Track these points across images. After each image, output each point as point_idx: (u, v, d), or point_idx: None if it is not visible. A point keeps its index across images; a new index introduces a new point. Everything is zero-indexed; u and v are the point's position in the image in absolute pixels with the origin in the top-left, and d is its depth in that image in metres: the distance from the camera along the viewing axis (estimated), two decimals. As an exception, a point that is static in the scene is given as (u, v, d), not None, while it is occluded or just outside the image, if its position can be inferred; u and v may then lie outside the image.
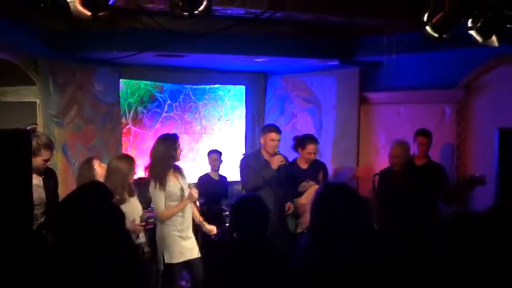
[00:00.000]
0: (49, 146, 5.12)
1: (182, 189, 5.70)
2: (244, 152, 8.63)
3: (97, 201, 2.69)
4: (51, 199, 5.23)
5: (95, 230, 2.46)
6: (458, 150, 7.53)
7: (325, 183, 6.27)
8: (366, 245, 2.89)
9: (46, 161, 5.14)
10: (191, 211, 5.87)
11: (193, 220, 5.99)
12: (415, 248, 3.09)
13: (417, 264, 2.92)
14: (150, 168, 5.69)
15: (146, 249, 5.83)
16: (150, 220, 6.53)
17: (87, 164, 5.77)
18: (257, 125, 9.85)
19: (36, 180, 5.10)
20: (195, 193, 5.69)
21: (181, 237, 5.69)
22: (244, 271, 3.21)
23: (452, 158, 7.50)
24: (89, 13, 4.39)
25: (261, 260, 3.28)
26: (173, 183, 5.65)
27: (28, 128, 5.21)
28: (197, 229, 6.06)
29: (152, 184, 5.61)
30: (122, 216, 2.67)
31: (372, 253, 2.89)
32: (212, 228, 6.11)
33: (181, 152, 5.77)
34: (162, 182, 5.57)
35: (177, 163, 5.80)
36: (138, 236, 5.69)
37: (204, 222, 6.11)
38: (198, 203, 6.11)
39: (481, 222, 2.50)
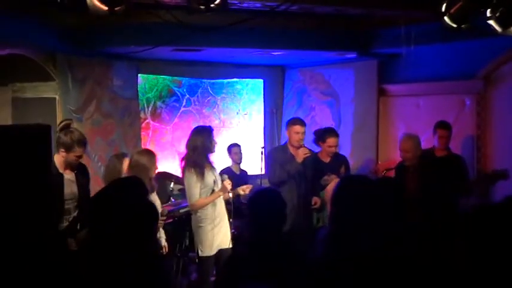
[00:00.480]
0: (82, 142, 5.13)
1: (215, 181, 5.73)
2: (263, 146, 8.61)
3: (134, 196, 2.69)
4: (84, 194, 5.26)
5: (130, 225, 2.45)
6: (479, 142, 7.46)
7: (344, 176, 6.24)
8: (384, 239, 2.86)
9: (78, 157, 5.16)
10: (223, 202, 5.88)
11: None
12: (433, 242, 3.07)
13: (434, 259, 2.89)
14: (187, 158, 5.72)
15: (163, 243, 5.85)
16: (171, 214, 6.57)
17: (118, 159, 5.76)
18: (275, 118, 9.84)
19: (69, 175, 5.15)
20: (228, 185, 5.70)
21: (214, 229, 5.70)
22: (259, 267, 3.20)
23: (473, 150, 7.44)
24: (106, 8, 4.41)
25: (275, 256, 3.27)
26: (209, 175, 5.68)
27: (63, 123, 5.22)
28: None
29: (191, 174, 5.61)
30: (156, 213, 2.67)
31: (389, 248, 2.85)
32: (247, 187, 6.12)
33: (216, 145, 5.80)
34: (202, 173, 5.60)
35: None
36: (158, 230, 5.72)
37: (237, 188, 6.12)
38: (230, 195, 6.06)
39: (499, 212, 2.46)
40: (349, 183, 3.12)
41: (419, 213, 5.21)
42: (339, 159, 6.91)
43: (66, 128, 5.09)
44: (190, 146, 5.71)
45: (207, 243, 5.66)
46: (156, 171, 5.80)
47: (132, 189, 2.83)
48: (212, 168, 5.79)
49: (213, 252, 5.68)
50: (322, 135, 6.82)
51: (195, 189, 5.60)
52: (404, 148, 6.27)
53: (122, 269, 2.40)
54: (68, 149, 5.00)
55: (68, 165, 5.12)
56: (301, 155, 6.27)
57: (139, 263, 2.44)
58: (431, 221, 5.24)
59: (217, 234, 5.72)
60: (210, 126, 5.93)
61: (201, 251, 5.67)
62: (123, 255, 2.41)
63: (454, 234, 2.50)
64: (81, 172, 5.36)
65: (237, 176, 8.26)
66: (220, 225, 5.76)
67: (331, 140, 6.72)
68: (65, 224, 5.02)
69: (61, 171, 5.07)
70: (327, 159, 6.81)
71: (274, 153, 6.67)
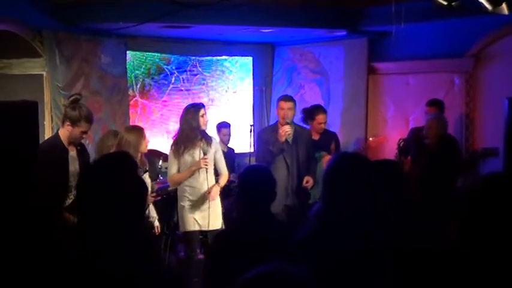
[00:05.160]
0: (89, 118, 5.08)
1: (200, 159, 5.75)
2: (251, 124, 8.58)
3: (123, 170, 2.65)
4: None
5: (119, 199, 2.42)
6: (467, 120, 7.48)
7: (338, 153, 6.13)
8: (375, 221, 2.80)
9: (83, 132, 5.13)
10: (211, 180, 5.85)
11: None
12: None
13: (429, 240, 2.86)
14: (176, 136, 5.88)
15: (156, 223, 5.84)
16: (159, 192, 6.55)
17: (114, 136, 5.79)
18: (265, 96, 9.81)
19: (72, 152, 5.13)
20: (203, 162, 5.67)
21: (193, 206, 5.76)
22: (247, 241, 3.19)
23: (462, 128, 7.46)
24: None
25: (263, 230, 3.27)
26: (191, 152, 5.74)
27: (72, 97, 5.17)
28: None
29: (170, 151, 5.83)
30: (146, 187, 2.63)
31: (385, 230, 2.81)
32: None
33: (206, 121, 5.83)
34: (179, 149, 5.74)
35: (209, 133, 5.99)
36: (148, 206, 5.72)
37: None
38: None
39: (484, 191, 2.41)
40: (344, 160, 3.01)
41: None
42: (328, 136, 6.89)
43: (75, 103, 5.06)
44: (180, 123, 5.86)
45: (183, 219, 5.79)
46: (147, 145, 5.78)
47: (121, 163, 2.79)
48: (205, 145, 5.79)
49: (191, 228, 5.77)
50: (310, 112, 6.78)
51: (172, 165, 5.82)
52: (429, 125, 6.26)
53: (115, 244, 2.37)
54: (74, 123, 4.97)
55: (72, 141, 5.10)
56: (281, 134, 6.02)
57: (131, 236, 2.41)
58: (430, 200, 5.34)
59: (195, 212, 5.78)
60: (200, 103, 5.97)
61: (181, 225, 5.88)
62: (114, 230, 2.38)
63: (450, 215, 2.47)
64: (82, 150, 5.34)
65: (224, 154, 8.25)
66: (200, 203, 5.78)
67: (320, 117, 6.70)
68: (69, 201, 4.99)
69: (66, 145, 5.06)
70: (316, 137, 6.75)
71: (261, 134, 6.47)
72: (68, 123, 4.98)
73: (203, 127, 5.77)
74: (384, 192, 2.88)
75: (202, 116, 5.74)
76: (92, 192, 2.38)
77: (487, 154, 6.33)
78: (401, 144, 6.70)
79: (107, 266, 2.20)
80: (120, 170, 2.52)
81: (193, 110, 5.75)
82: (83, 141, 5.36)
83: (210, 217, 5.78)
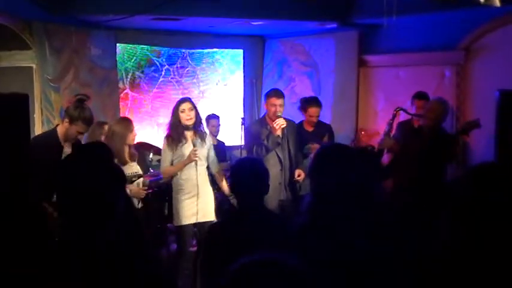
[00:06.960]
0: (87, 120, 5.07)
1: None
2: (242, 116, 8.56)
3: (98, 161, 2.62)
4: None
5: (93, 188, 2.38)
6: (458, 112, 7.49)
7: (323, 145, 6.12)
8: (363, 210, 2.79)
9: (79, 133, 5.12)
10: (202, 173, 5.87)
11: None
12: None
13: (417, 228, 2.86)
14: (168, 129, 5.89)
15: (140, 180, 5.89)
16: (151, 184, 6.53)
17: (99, 126, 5.97)
18: (255, 89, 9.80)
19: (67, 149, 5.13)
20: (194, 154, 5.66)
21: (188, 199, 5.75)
22: (240, 234, 3.19)
23: (452, 121, 7.46)
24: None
25: (257, 223, 3.26)
26: (185, 146, 5.73)
27: (78, 97, 5.18)
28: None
29: (164, 143, 5.83)
30: (123, 177, 2.59)
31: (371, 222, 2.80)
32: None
33: (188, 117, 5.75)
34: (174, 143, 5.73)
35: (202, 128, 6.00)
36: (138, 202, 5.72)
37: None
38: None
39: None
40: (328, 150, 2.98)
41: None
42: (322, 128, 6.83)
43: (79, 102, 5.06)
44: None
45: (179, 212, 5.75)
46: (135, 138, 5.82)
47: (94, 152, 2.77)
48: (198, 139, 5.81)
49: (185, 222, 5.75)
50: (304, 104, 6.75)
51: (165, 157, 5.81)
52: (431, 107, 6.17)
53: (90, 234, 2.34)
54: (72, 121, 4.99)
55: (68, 139, 5.09)
56: (277, 128, 5.93)
57: (116, 228, 2.38)
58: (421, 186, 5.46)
59: (191, 205, 5.76)
60: (182, 98, 5.98)
61: (176, 219, 5.81)
62: (89, 219, 2.35)
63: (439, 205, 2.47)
64: None
65: (214, 147, 8.21)
66: (195, 197, 5.78)
67: (311, 110, 6.65)
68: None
69: (61, 142, 5.07)
70: (310, 129, 6.75)
71: (251, 129, 6.39)
72: (67, 120, 5.01)
73: (185, 122, 5.73)
74: (367, 177, 2.87)
75: (183, 112, 5.71)
76: (62, 188, 2.36)
77: (469, 127, 6.27)
78: (396, 113, 6.58)
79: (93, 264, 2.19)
80: (93, 160, 2.49)
81: (176, 105, 5.80)
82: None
83: (204, 209, 5.81)
